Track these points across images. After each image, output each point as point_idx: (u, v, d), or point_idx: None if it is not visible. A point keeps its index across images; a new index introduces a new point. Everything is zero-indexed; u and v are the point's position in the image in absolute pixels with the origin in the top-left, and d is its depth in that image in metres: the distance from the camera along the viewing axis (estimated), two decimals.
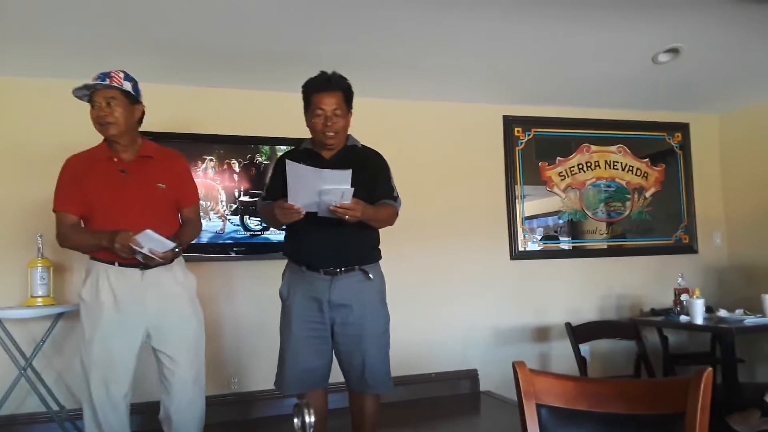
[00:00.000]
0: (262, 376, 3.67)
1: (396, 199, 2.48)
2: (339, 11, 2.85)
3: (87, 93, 2.34)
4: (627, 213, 4.70)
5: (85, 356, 2.35)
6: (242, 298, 3.74)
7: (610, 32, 3.24)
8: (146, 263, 2.31)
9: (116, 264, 2.33)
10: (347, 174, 2.12)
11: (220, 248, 3.70)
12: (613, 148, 4.71)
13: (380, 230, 2.52)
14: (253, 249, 3.78)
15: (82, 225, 2.42)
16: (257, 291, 3.72)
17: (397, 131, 4.09)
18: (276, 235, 3.66)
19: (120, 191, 2.36)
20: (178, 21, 2.87)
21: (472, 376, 4.20)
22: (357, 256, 2.41)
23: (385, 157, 2.54)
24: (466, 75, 3.83)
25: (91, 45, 3.10)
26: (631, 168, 4.74)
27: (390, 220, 2.45)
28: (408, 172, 4.01)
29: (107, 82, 2.31)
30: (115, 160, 2.40)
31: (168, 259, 2.34)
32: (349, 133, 2.48)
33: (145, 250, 2.23)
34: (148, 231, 2.22)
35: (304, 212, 2.21)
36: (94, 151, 2.44)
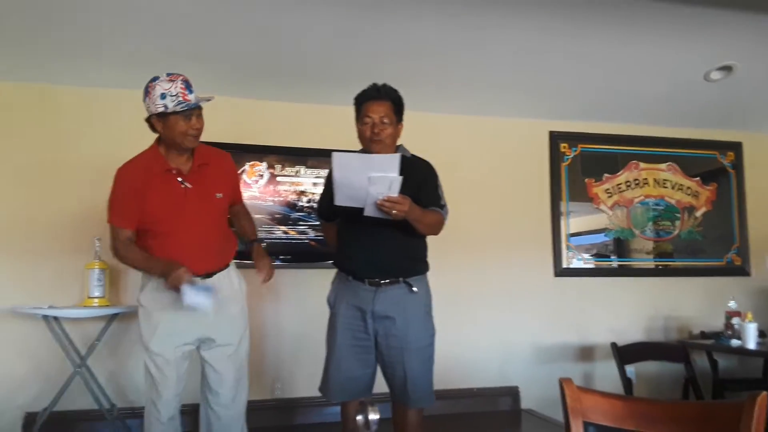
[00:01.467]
0: (304, 383, 3.74)
1: (443, 207, 2.47)
2: (384, 27, 2.91)
3: (174, 109, 2.26)
4: (676, 232, 4.59)
5: (146, 359, 2.41)
6: (287, 306, 3.81)
7: (661, 49, 3.21)
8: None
9: None
10: (395, 159, 2.11)
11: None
12: (663, 165, 4.62)
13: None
14: (299, 257, 3.84)
15: (138, 237, 2.39)
16: (302, 299, 3.79)
17: (443, 145, 4.10)
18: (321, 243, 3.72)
19: (182, 207, 2.34)
20: (229, 35, 2.98)
21: (513, 393, 4.16)
22: (401, 268, 2.41)
23: (434, 167, 2.55)
24: (513, 90, 3.84)
25: (145, 57, 3.24)
26: (681, 186, 4.64)
27: (436, 227, 2.43)
28: (452, 185, 3.99)
29: (194, 94, 2.29)
30: (174, 171, 2.36)
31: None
32: (399, 143, 2.50)
33: (188, 300, 2.23)
34: (210, 286, 2.27)
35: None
36: (148, 159, 2.37)
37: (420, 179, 2.41)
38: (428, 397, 2.43)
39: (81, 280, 3.38)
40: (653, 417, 1.24)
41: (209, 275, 2.42)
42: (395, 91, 2.44)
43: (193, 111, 2.30)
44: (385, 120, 2.37)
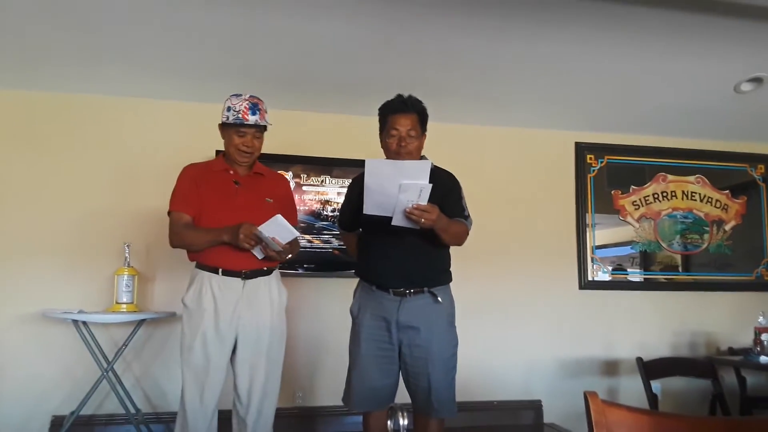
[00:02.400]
0: (326, 392, 3.75)
1: (467, 218, 2.48)
2: (410, 38, 2.93)
3: (232, 121, 2.46)
4: (705, 246, 4.52)
5: (183, 362, 2.45)
6: (311, 314, 3.83)
7: (690, 60, 3.18)
8: (270, 259, 2.44)
9: (220, 272, 2.45)
10: (426, 165, 2.12)
11: (289, 264, 3.80)
12: (691, 178, 4.56)
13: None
14: (322, 266, 3.87)
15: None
16: (325, 307, 3.81)
17: (468, 156, 4.12)
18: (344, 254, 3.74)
19: (232, 200, 2.50)
20: (257, 46, 3.04)
21: (536, 407, 4.11)
22: (426, 277, 2.41)
23: (457, 178, 2.56)
24: (539, 101, 3.83)
25: (182, 68, 3.32)
26: (710, 199, 4.57)
27: (461, 238, 2.44)
28: (478, 196, 4.02)
29: (258, 117, 2.48)
30: (231, 172, 2.56)
31: (285, 254, 2.46)
32: (423, 154, 2.50)
33: (269, 237, 2.33)
34: (278, 216, 2.32)
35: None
36: (212, 163, 2.65)
37: (444, 190, 2.41)
38: (451, 408, 2.42)
39: (110, 286, 3.44)
40: None
41: (250, 275, 2.47)
42: (420, 103, 2.45)
43: (248, 129, 2.48)
44: (412, 133, 2.39)
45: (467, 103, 3.84)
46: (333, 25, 2.84)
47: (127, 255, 3.37)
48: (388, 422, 1.26)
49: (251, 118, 2.46)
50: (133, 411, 3.37)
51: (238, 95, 2.50)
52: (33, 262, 3.53)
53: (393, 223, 2.23)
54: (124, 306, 3.33)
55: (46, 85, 3.57)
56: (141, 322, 3.38)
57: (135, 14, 2.73)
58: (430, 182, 2.14)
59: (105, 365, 3.28)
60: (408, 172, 2.13)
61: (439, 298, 2.40)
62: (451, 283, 2.52)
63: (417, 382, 2.39)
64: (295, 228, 2.43)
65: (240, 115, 2.45)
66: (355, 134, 3.84)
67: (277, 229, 2.35)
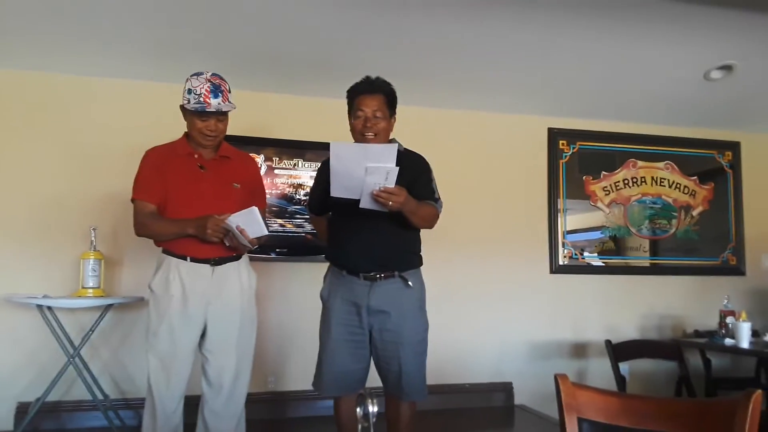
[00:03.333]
0: (298, 377, 3.74)
1: (437, 201, 2.46)
2: (384, 21, 2.90)
3: (193, 108, 2.35)
4: (673, 231, 4.60)
5: (149, 347, 2.40)
6: (282, 299, 3.81)
7: (661, 47, 3.20)
8: (235, 248, 2.39)
9: (188, 259, 2.39)
10: (393, 149, 2.10)
11: (260, 248, 3.76)
12: (661, 164, 4.63)
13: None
14: (294, 250, 3.83)
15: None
16: (297, 292, 3.79)
17: (440, 140, 4.11)
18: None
19: (197, 186, 2.43)
20: (230, 25, 2.97)
21: (506, 389, 4.17)
22: (397, 261, 2.40)
23: (428, 161, 2.53)
24: (512, 86, 3.83)
25: (148, 47, 3.23)
26: (678, 185, 4.64)
27: (431, 221, 2.42)
28: (449, 181, 4.00)
29: (220, 99, 2.36)
30: (196, 156, 2.47)
31: (253, 245, 2.40)
32: (392, 137, 2.48)
33: (237, 229, 2.28)
34: (254, 209, 2.27)
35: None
36: (175, 145, 2.51)
37: (414, 173, 2.39)
38: (422, 391, 2.44)
39: (76, 270, 3.37)
40: (648, 414, 1.23)
41: (219, 262, 2.43)
42: (388, 85, 2.41)
43: (210, 114, 2.38)
44: (378, 114, 2.35)
45: (440, 87, 3.83)
46: (307, 6, 2.78)
47: (93, 238, 3.29)
48: (357, 409, 1.24)
49: (213, 102, 2.34)
50: (100, 397, 3.32)
51: (198, 74, 2.38)
52: None
53: (361, 205, 2.20)
54: (91, 291, 3.26)
55: (8, 63, 3.44)
56: (108, 307, 3.31)
57: None
58: (398, 165, 2.12)
59: (71, 351, 3.21)
60: (374, 155, 2.10)
61: (410, 282, 2.39)
62: (422, 267, 2.51)
63: (388, 366, 2.40)
64: (265, 211, 2.38)
65: (201, 99, 2.33)
66: (329, 117, 3.77)
67: (249, 222, 2.30)
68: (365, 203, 2.19)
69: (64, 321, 3.30)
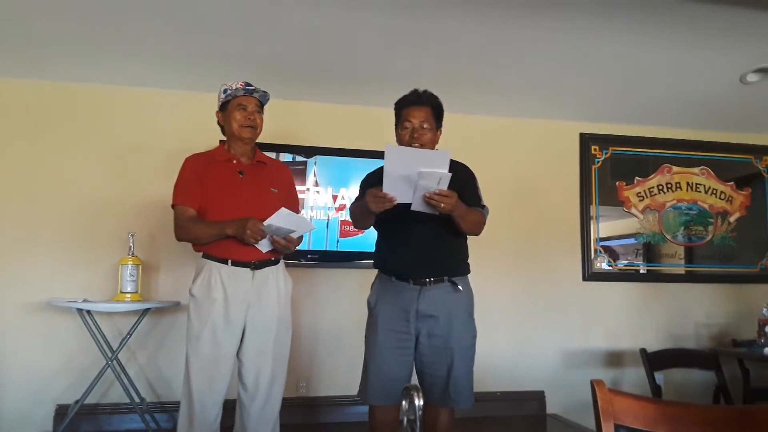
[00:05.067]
0: (329, 382, 3.76)
1: (484, 208, 2.48)
2: (418, 30, 2.91)
3: (230, 96, 2.51)
4: (709, 238, 4.51)
5: (191, 351, 2.42)
6: (313, 303, 3.83)
7: (696, 50, 3.15)
8: (276, 250, 2.45)
9: (229, 263, 2.43)
10: (446, 156, 2.11)
11: (293, 253, 3.78)
12: (696, 169, 4.55)
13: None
14: (329, 256, 3.85)
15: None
16: (327, 297, 3.82)
17: (470, 146, 4.09)
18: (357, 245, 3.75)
19: (237, 191, 2.49)
20: (271, 38, 3.02)
21: (538, 397, 4.12)
22: (446, 267, 2.41)
23: (472, 170, 2.55)
24: (543, 91, 3.81)
25: (184, 58, 3.30)
26: (714, 191, 4.55)
27: (479, 226, 2.44)
28: (481, 187, 4.02)
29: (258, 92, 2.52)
30: (234, 162, 2.54)
31: (293, 245, 2.45)
32: (437, 148, 2.49)
33: (275, 228, 2.33)
34: (283, 209, 2.30)
35: (396, 201, 2.18)
36: (213, 152, 2.60)
37: (461, 180, 2.40)
38: (468, 398, 2.41)
39: (115, 276, 3.45)
40: (686, 420, 1.22)
41: (259, 266, 2.47)
42: (435, 98, 2.46)
43: (248, 101, 2.51)
44: (425, 125, 2.40)
45: (471, 94, 3.83)
46: (340, 15, 2.81)
47: (131, 244, 3.37)
48: (402, 402, 1.25)
49: (249, 89, 2.52)
50: (137, 400, 3.38)
51: (230, 83, 2.55)
52: (38, 251, 3.54)
53: (413, 208, 2.22)
54: (129, 295, 3.33)
55: (48, 74, 3.56)
56: (145, 311, 3.38)
57: (137, 3, 2.72)
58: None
59: (109, 354, 3.28)
60: (427, 160, 2.13)
61: (460, 287, 2.40)
62: (469, 275, 2.51)
63: (434, 372, 2.37)
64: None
65: (239, 87, 2.51)
66: (366, 125, 3.84)
67: (288, 221, 2.34)
68: (417, 206, 2.21)
69: (102, 325, 3.38)
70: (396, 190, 2.18)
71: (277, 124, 3.78)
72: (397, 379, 2.38)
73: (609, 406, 1.27)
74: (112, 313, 3.48)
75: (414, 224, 2.33)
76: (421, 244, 2.37)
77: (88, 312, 3.28)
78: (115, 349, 3.32)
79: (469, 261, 2.53)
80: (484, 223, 2.46)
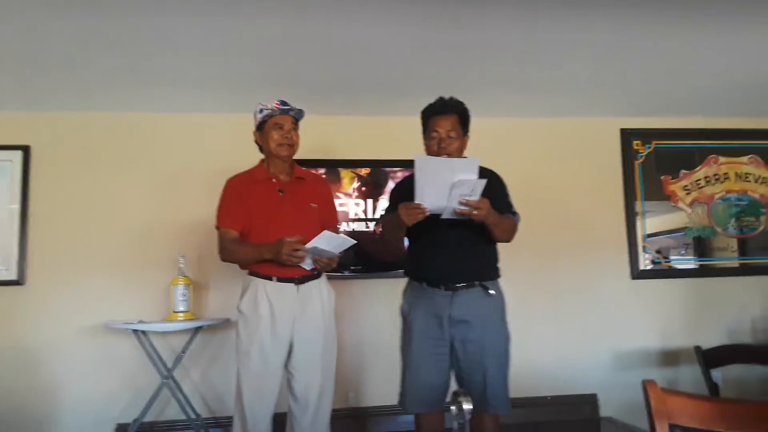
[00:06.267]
0: (377, 392, 3.78)
1: (515, 214, 2.49)
2: (449, 35, 2.91)
3: (267, 116, 2.58)
4: (761, 228, 4.36)
5: (241, 367, 2.49)
6: (359, 314, 3.86)
7: (738, 35, 3.05)
8: (315, 268, 2.49)
9: (274, 279, 2.49)
10: (475, 163, 2.14)
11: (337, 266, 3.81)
12: (744, 158, 4.40)
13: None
14: (370, 267, 3.88)
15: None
16: (373, 307, 3.84)
17: (509, 149, 4.08)
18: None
19: (279, 209, 2.55)
20: (307, 57, 3.09)
21: (591, 401, 4.04)
22: (477, 272, 2.43)
23: (501, 176, 2.56)
24: (581, 89, 3.75)
25: (225, 81, 3.40)
26: (765, 180, 4.40)
27: (511, 233, 2.45)
28: (521, 190, 3.94)
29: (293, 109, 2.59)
30: (274, 180, 2.60)
31: (334, 263, 2.51)
32: (465, 154, 2.51)
33: (319, 250, 2.38)
34: (326, 232, 2.36)
35: (428, 211, 2.20)
36: (254, 172, 2.66)
37: (492, 188, 2.40)
38: (505, 404, 2.41)
39: (167, 296, 3.55)
40: (744, 417, 1.19)
41: (302, 280, 2.52)
42: (461, 104, 2.47)
43: (284, 120, 2.56)
44: (452, 134, 2.42)
45: (507, 96, 3.80)
46: (369, 26, 2.83)
47: (181, 265, 3.48)
48: (452, 407, 1.26)
49: (285, 108, 2.57)
50: (193, 416, 3.46)
51: (265, 102, 2.61)
52: (94, 276, 3.67)
53: (444, 216, 2.24)
54: (181, 314, 3.43)
55: (99, 106, 3.72)
56: (197, 329, 3.47)
57: (178, 39, 2.82)
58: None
59: (165, 372, 3.38)
60: (460, 169, 2.15)
61: (491, 291, 2.41)
62: (500, 279, 2.51)
63: (471, 378, 2.39)
64: (338, 228, 2.47)
65: (275, 107, 2.57)
66: (398, 134, 3.87)
67: (328, 242, 2.39)
68: (449, 214, 2.23)
69: (157, 344, 3.49)
70: (428, 200, 2.19)
71: (314, 139, 3.85)
72: (435, 385, 2.41)
73: (662, 406, 1.26)
74: (166, 333, 3.58)
75: (445, 231, 2.35)
76: (451, 250, 2.39)
77: (144, 332, 3.39)
78: (170, 367, 3.41)
79: (500, 263, 2.54)
80: (516, 230, 2.47)
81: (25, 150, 3.71)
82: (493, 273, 2.50)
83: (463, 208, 2.19)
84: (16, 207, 3.67)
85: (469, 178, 2.13)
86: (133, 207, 3.77)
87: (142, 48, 2.93)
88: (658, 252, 4.25)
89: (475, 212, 2.19)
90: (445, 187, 2.14)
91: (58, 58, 3.01)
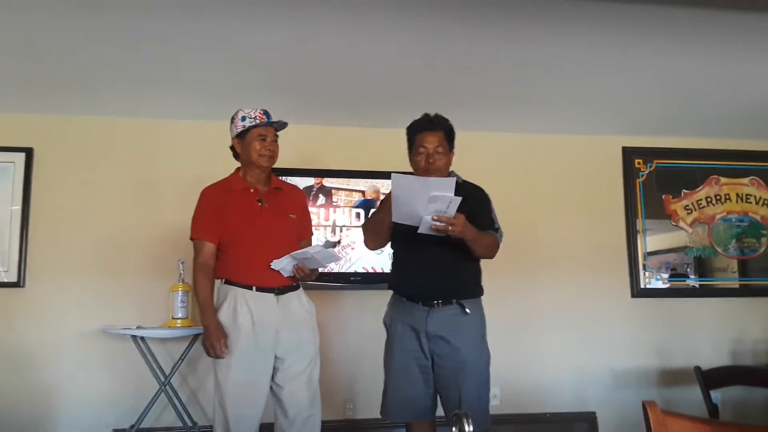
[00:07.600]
0: (376, 404, 3.75)
1: (497, 230, 2.48)
2: (448, 50, 2.93)
3: (251, 125, 2.51)
4: (762, 250, 4.36)
5: (222, 378, 2.43)
6: (355, 326, 3.83)
7: (741, 58, 3.08)
8: (302, 278, 2.51)
9: (254, 288, 2.45)
10: (451, 183, 2.16)
11: (333, 277, 3.74)
12: (745, 180, 4.42)
13: (492, 265, 2.54)
14: (364, 278, 3.82)
15: (219, 252, 2.54)
16: (369, 319, 3.80)
17: (511, 165, 4.10)
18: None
19: (258, 220, 2.51)
20: (299, 66, 3.10)
21: (590, 418, 4.02)
22: (455, 289, 2.44)
23: (487, 192, 2.57)
24: (583, 106, 3.77)
25: (220, 90, 3.42)
26: (766, 201, 4.41)
27: (491, 250, 2.45)
28: (522, 206, 4.00)
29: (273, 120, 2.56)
30: (252, 191, 2.56)
31: (315, 275, 2.53)
32: (452, 169, 2.54)
33: (308, 259, 2.42)
34: (317, 245, 2.40)
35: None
36: (230, 181, 2.60)
37: (473, 203, 2.43)
38: (483, 421, 2.39)
39: (166, 302, 3.54)
40: None
41: (282, 291, 2.50)
42: (447, 121, 2.51)
43: (268, 131, 2.52)
44: (439, 149, 2.45)
45: (509, 112, 3.82)
46: (369, 38, 2.85)
47: (181, 271, 3.47)
48: (453, 429, 1.26)
49: (271, 122, 2.54)
50: (189, 423, 3.45)
51: (246, 109, 2.56)
52: (94, 280, 3.67)
53: (420, 231, 2.26)
54: (180, 321, 3.42)
55: (102, 109, 3.73)
56: (196, 336, 3.45)
57: (170, 45, 2.83)
58: (460, 196, 2.19)
59: (163, 379, 3.37)
60: (434, 188, 2.17)
61: (468, 310, 2.41)
62: (489, 296, 2.52)
63: (447, 394, 2.40)
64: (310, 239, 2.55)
65: (258, 119, 2.51)
66: (392, 146, 3.87)
67: (319, 255, 2.43)
68: (424, 229, 2.25)
69: (155, 350, 3.48)
70: (405, 215, 2.24)
71: (298, 149, 3.83)
72: (415, 396, 2.43)
73: (662, 428, 1.25)
74: (164, 339, 3.57)
75: (426, 247, 2.37)
76: (431, 266, 2.40)
77: (142, 338, 3.38)
78: (167, 373, 3.40)
79: (497, 279, 2.59)
80: (498, 246, 2.47)
81: (28, 152, 3.73)
82: (473, 291, 2.49)
83: (437, 224, 2.20)
84: (18, 209, 3.67)
85: (446, 194, 2.16)
86: (134, 212, 3.77)
87: (147, 53, 2.94)
88: (658, 271, 4.25)
89: (450, 228, 2.20)
90: (420, 203, 2.18)
91: (62, 60, 3.02)
